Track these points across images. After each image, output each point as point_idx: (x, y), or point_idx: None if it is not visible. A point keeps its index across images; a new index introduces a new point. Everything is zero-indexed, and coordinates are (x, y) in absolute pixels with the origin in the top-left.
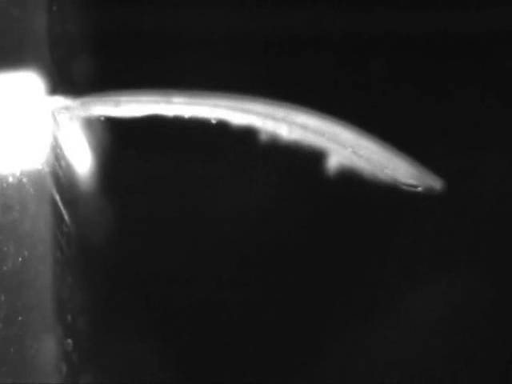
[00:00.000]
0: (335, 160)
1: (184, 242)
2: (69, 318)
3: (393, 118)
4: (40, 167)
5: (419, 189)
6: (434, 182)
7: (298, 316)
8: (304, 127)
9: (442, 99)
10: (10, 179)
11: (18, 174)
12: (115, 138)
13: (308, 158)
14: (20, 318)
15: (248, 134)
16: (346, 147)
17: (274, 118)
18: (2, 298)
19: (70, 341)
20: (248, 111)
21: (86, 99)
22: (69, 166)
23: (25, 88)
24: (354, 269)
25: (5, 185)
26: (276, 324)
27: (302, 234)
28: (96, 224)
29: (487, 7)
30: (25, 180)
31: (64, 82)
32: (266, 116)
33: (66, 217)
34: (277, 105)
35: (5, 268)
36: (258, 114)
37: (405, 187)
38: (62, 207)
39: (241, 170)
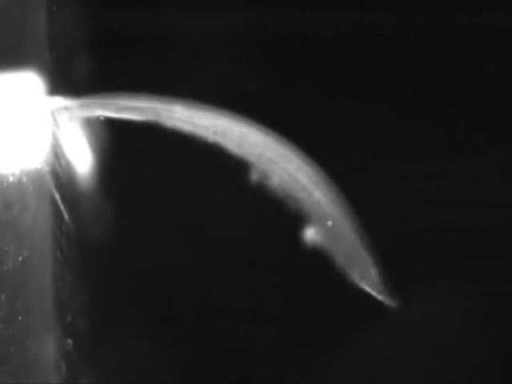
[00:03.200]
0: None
1: (184, 242)
2: (69, 318)
3: (393, 116)
4: (40, 167)
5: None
6: (391, 301)
7: (297, 317)
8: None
9: (439, 101)
10: (11, 179)
11: (18, 173)
12: (115, 137)
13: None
14: (20, 318)
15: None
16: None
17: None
18: (2, 297)
19: (69, 341)
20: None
21: (85, 99)
22: (69, 166)
23: (25, 88)
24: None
25: (5, 184)
26: (276, 322)
27: (298, 239)
28: (96, 223)
29: (487, 8)
30: (25, 179)
31: (64, 82)
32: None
33: (66, 216)
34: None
35: (5, 268)
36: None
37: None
38: (61, 206)
39: (241, 169)
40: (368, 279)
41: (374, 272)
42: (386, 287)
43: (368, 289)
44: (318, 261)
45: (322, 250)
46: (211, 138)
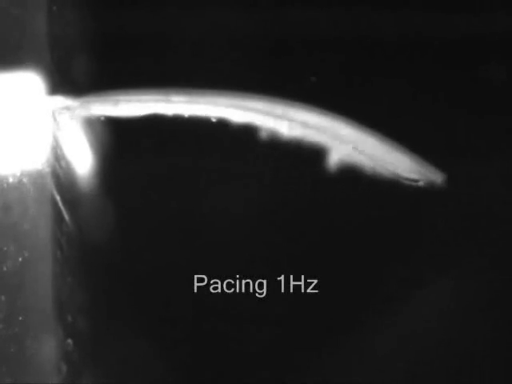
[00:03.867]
0: (336, 156)
1: (184, 242)
2: (69, 318)
3: (393, 116)
4: (40, 167)
5: (421, 183)
6: (436, 176)
7: (298, 317)
8: (304, 124)
9: (442, 97)
10: (11, 179)
11: (18, 174)
12: (115, 138)
13: (309, 155)
14: (20, 318)
15: (248, 132)
16: (346, 143)
17: (274, 116)
18: (2, 297)
19: (69, 341)
20: (247, 109)
21: (85, 99)
22: (69, 166)
23: (25, 88)
24: (354, 267)
25: (5, 185)
26: (277, 321)
27: (303, 231)
28: (96, 224)
29: (488, 9)
30: (25, 180)
31: (64, 82)
32: (266, 113)
33: (66, 217)
34: (276, 102)
35: (5, 268)
36: (257, 111)
37: (406, 182)
38: (62, 207)
39: (241, 168)
40: (403, 165)
41: (405, 157)
42: (423, 167)
43: (406, 175)
44: (320, 259)
45: (348, 168)
46: (213, 115)
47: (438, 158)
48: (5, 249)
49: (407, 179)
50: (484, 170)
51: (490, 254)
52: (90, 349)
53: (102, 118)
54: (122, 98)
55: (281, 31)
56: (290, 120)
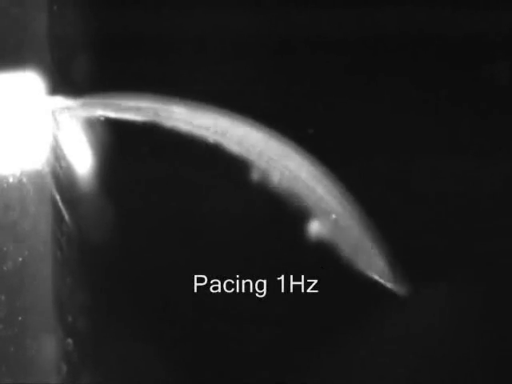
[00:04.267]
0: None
1: (184, 242)
2: (69, 318)
3: (394, 116)
4: (40, 167)
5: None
6: (401, 287)
7: (298, 317)
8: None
9: (441, 99)
10: (11, 179)
11: (18, 174)
12: (115, 138)
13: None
14: (20, 318)
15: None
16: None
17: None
18: (2, 297)
19: (69, 341)
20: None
21: (86, 99)
22: (69, 166)
23: (25, 88)
24: (353, 268)
25: (5, 185)
26: (277, 321)
27: (303, 232)
28: (96, 224)
29: (487, 8)
30: (25, 180)
31: (64, 83)
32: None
33: (66, 217)
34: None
35: (5, 268)
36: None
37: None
38: (62, 207)
39: (241, 168)
40: (375, 267)
41: (379, 260)
42: (393, 275)
43: (376, 277)
44: (322, 257)
45: (327, 242)
46: (211, 137)
47: (439, 157)
48: (5, 249)
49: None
50: (484, 170)
51: (490, 255)
52: (89, 349)
53: (102, 119)
54: (121, 97)
55: (283, 31)
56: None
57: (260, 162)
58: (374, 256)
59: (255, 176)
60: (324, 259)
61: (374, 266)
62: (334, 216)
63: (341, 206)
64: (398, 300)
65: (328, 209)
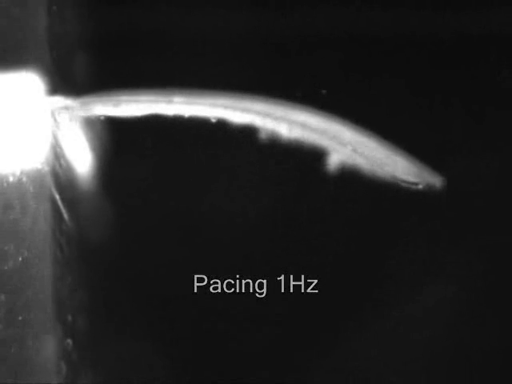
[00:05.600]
0: (335, 158)
1: (184, 242)
2: (69, 317)
3: (392, 117)
4: (40, 166)
5: (419, 186)
6: (434, 180)
7: (298, 317)
8: (303, 126)
9: (441, 98)
10: (10, 178)
11: (18, 173)
12: (115, 137)
13: (308, 157)
14: (20, 318)
15: (248, 133)
16: (345, 145)
17: (274, 117)
18: (2, 297)
19: (69, 341)
20: (247, 110)
21: (85, 99)
22: (69, 166)
23: (25, 88)
24: (354, 267)
25: (5, 184)
26: (277, 326)
27: (301, 233)
28: (96, 223)
29: (487, 8)
30: (25, 179)
31: (64, 82)
32: (266, 115)
33: (66, 216)
34: (276, 103)
35: (5, 268)
36: (257, 112)
37: (405, 184)
38: (61, 206)
39: (241, 169)
40: (402, 169)
41: (406, 161)
42: (421, 170)
43: (405, 178)
44: (321, 259)
45: (348, 170)
46: (213, 116)
47: (437, 158)
48: (5, 248)
49: (406, 182)
50: (482, 170)
51: (489, 255)
52: (89, 349)
53: (102, 118)
54: (122, 98)
55: (282, 30)
56: (290, 121)
57: (266, 124)
58: (399, 160)
59: (263, 137)
60: (324, 259)
61: (401, 167)
62: (350, 147)
63: (357, 137)
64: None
65: (343, 141)
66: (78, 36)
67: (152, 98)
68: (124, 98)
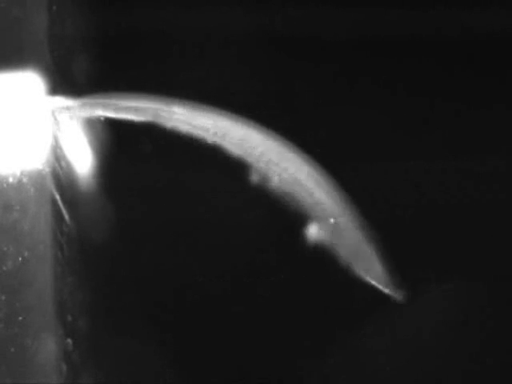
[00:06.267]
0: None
1: (183, 242)
2: (69, 317)
3: (393, 117)
4: (40, 167)
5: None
6: (398, 294)
7: (296, 319)
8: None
9: (442, 100)
10: (11, 179)
11: (18, 174)
12: (115, 138)
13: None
14: (20, 318)
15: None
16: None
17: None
18: (2, 297)
19: (69, 341)
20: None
21: (86, 99)
22: (69, 166)
23: (25, 88)
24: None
25: (5, 185)
26: (277, 327)
27: (302, 233)
28: (96, 224)
29: (487, 8)
30: (25, 180)
31: (64, 82)
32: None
33: (66, 217)
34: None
35: (5, 268)
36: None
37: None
38: (62, 207)
39: (241, 169)
40: (373, 273)
41: (378, 266)
42: (391, 281)
43: (374, 282)
44: (320, 261)
45: (325, 246)
46: (211, 139)
47: (438, 158)
48: (5, 249)
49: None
50: (483, 170)
51: (490, 255)
52: (90, 349)
53: (102, 119)
54: (122, 97)
55: (281, 31)
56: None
57: (259, 164)
58: (373, 261)
59: (254, 178)
60: (321, 263)
61: (373, 271)
62: (332, 220)
63: (340, 209)
64: (395, 306)
65: (327, 212)
66: (78, 36)
67: (152, 105)
68: (124, 98)
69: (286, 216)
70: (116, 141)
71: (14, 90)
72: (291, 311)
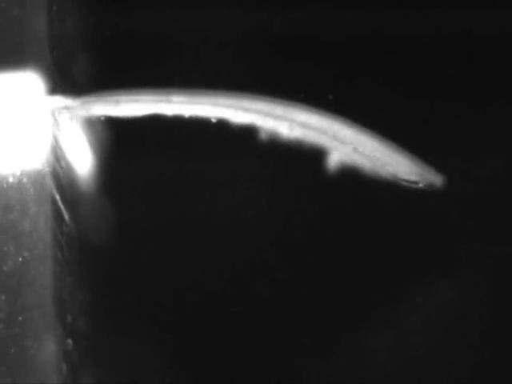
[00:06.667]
0: (336, 157)
1: (184, 242)
2: (69, 318)
3: (393, 117)
4: (40, 167)
5: (420, 185)
6: (435, 178)
7: (297, 317)
8: (304, 125)
9: (443, 98)
10: (11, 179)
11: (18, 174)
12: (115, 137)
13: (309, 156)
14: (20, 318)
15: (248, 133)
16: (346, 144)
17: (275, 117)
18: (2, 297)
19: (69, 341)
20: (248, 109)
21: (86, 99)
22: (69, 166)
23: (25, 88)
24: (355, 268)
25: (5, 185)
26: (277, 326)
27: (303, 233)
28: (96, 224)
29: (487, 8)
30: (25, 180)
31: (64, 82)
32: (267, 114)
33: (66, 217)
34: (277, 103)
35: (5, 268)
36: (258, 112)
37: (406, 184)
38: (62, 207)
39: (241, 169)
40: (404, 169)
41: (407, 160)
42: (423, 169)
43: (408, 178)
44: (320, 260)
45: (349, 169)
46: (213, 116)
47: (439, 157)
48: (5, 249)
49: (407, 181)
50: (484, 170)
51: (490, 254)
52: (90, 349)
53: (102, 118)
54: (122, 97)
55: (281, 31)
56: (291, 121)
57: (266, 123)
58: (400, 159)
59: (264, 137)
60: (324, 260)
61: (402, 167)
62: (350, 146)
63: (358, 136)
64: (395, 306)
65: (344, 140)
66: (78, 36)
67: (151, 97)
68: (124, 97)
69: (284, 216)
70: (116, 141)
71: (14, 90)
72: (291, 311)
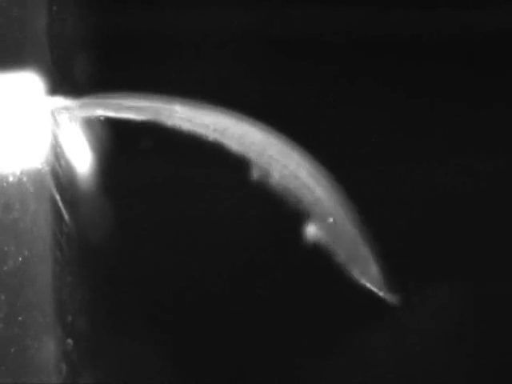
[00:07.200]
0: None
1: (184, 242)
2: (69, 317)
3: (393, 117)
4: (40, 167)
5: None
6: (392, 297)
7: (297, 317)
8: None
9: (442, 100)
10: (10, 178)
11: (18, 173)
12: (115, 137)
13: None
14: (20, 318)
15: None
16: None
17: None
18: (2, 297)
19: (69, 341)
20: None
21: (86, 99)
22: (69, 166)
23: (25, 88)
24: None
25: (5, 184)
26: (276, 326)
27: (300, 236)
28: (96, 224)
29: (487, 8)
30: (25, 179)
31: (64, 82)
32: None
33: (66, 216)
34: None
35: (5, 268)
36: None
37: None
38: (61, 206)
39: (241, 168)
40: (368, 275)
41: (374, 268)
42: (386, 284)
43: (368, 285)
44: (319, 259)
45: (323, 246)
46: (211, 136)
47: (439, 157)
48: (5, 248)
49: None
50: (483, 169)
51: (491, 254)
52: (89, 349)
53: (102, 118)
54: (122, 97)
55: (281, 31)
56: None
57: (260, 160)
58: (369, 263)
59: (255, 175)
60: (320, 262)
61: (368, 273)
62: (331, 219)
63: (338, 208)
64: (393, 306)
65: (325, 211)
66: (78, 36)
67: (153, 105)
68: (124, 97)
69: (285, 214)
70: (116, 140)
71: (14, 89)
72: (290, 311)
